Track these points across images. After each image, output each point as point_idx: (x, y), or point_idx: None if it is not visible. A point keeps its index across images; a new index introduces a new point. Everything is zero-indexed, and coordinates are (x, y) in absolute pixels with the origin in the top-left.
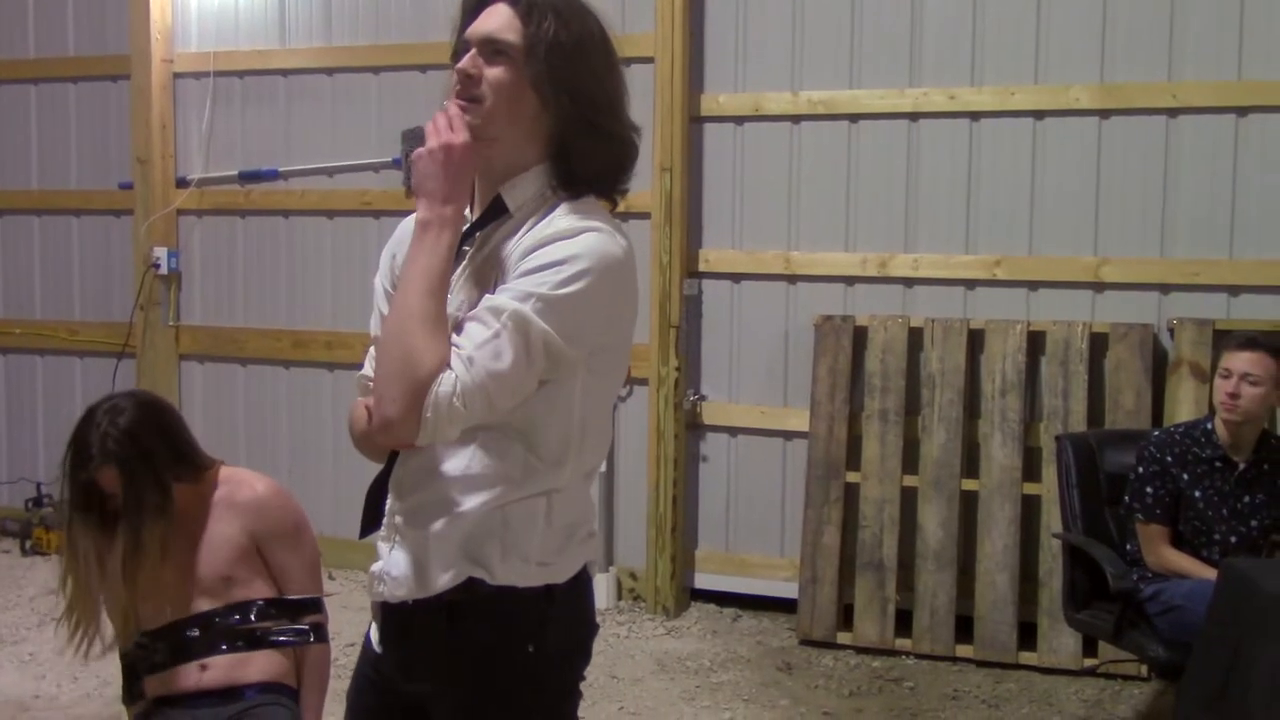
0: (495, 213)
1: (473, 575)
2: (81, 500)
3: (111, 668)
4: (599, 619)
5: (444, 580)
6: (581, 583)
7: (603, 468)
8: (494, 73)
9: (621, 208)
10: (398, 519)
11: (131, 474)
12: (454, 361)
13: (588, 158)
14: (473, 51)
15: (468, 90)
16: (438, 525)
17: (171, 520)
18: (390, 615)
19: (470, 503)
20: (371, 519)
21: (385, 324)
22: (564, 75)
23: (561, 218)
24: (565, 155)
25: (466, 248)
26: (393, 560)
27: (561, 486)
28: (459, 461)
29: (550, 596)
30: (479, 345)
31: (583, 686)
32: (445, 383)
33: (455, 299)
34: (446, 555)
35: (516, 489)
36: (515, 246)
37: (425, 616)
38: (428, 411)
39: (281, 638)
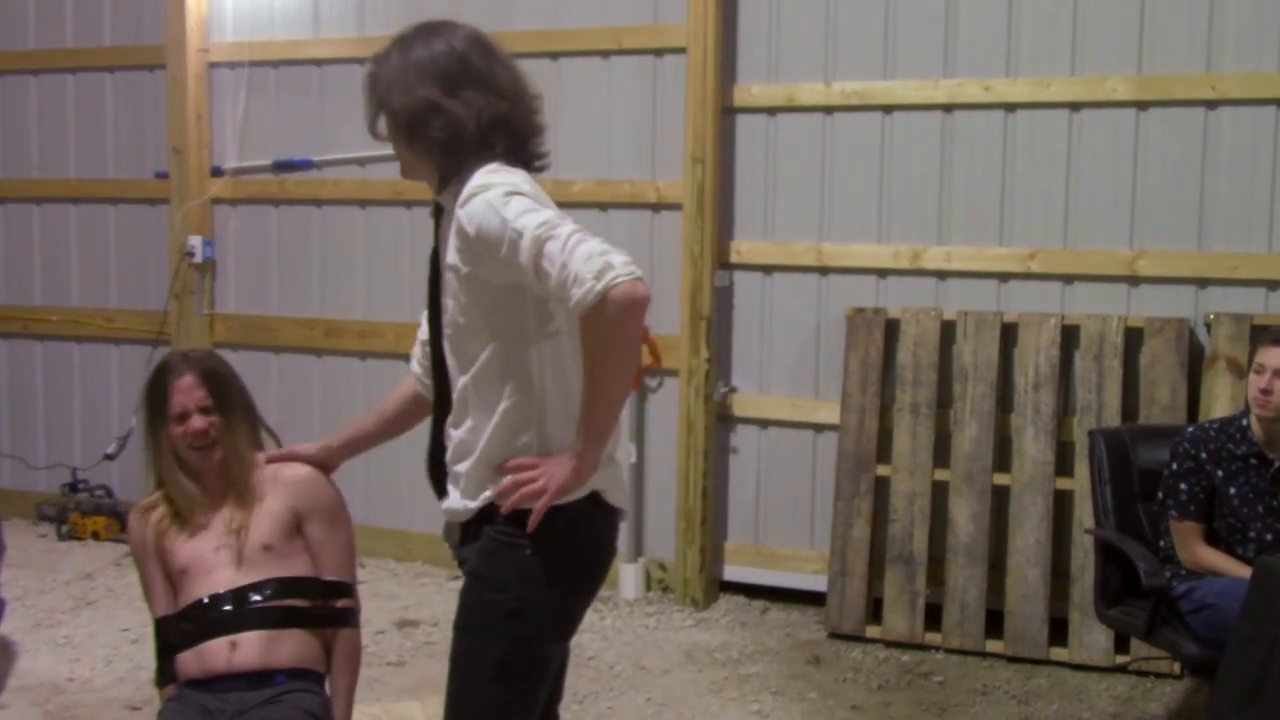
0: (440, 210)
1: (489, 496)
2: (157, 410)
3: (146, 652)
4: (633, 602)
5: (476, 504)
6: (593, 510)
7: (632, 458)
8: None
9: (653, 198)
10: (450, 469)
11: (216, 381)
12: (582, 286)
13: (430, 156)
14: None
15: None
16: (463, 466)
17: (254, 432)
18: (453, 528)
19: (479, 446)
20: (439, 486)
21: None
22: (385, 108)
23: (464, 194)
24: None
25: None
26: (452, 499)
27: (545, 426)
28: (469, 418)
29: (554, 513)
30: (563, 262)
31: (610, 676)
32: (601, 283)
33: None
34: (474, 486)
35: (505, 428)
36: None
37: (467, 524)
38: (617, 280)
39: (311, 617)
